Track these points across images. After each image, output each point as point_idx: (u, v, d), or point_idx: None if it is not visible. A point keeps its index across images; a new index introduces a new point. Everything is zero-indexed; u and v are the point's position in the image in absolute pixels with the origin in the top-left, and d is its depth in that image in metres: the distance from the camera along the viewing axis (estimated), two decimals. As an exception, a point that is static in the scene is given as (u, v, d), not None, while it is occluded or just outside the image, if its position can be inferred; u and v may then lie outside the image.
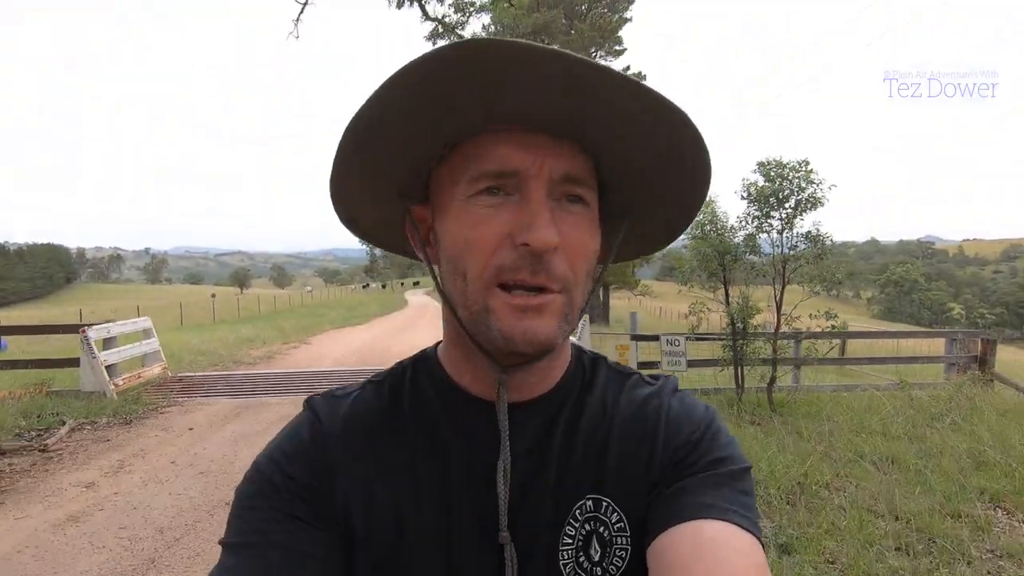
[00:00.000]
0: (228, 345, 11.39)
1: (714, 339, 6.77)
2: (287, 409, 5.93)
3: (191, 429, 5.08)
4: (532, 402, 0.52)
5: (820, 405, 6.12)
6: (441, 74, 0.39)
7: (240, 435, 4.88)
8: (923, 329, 10.43)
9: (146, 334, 7.37)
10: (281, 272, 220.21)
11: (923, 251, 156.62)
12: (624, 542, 0.50)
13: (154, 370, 7.19)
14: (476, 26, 8.98)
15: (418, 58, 0.38)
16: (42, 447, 4.38)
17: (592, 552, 0.49)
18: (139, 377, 6.80)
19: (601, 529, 0.50)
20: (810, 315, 6.53)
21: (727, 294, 6.36)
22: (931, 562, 2.92)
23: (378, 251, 74.78)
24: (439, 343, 0.57)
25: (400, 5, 7.85)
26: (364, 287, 69.81)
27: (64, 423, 4.94)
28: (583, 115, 0.42)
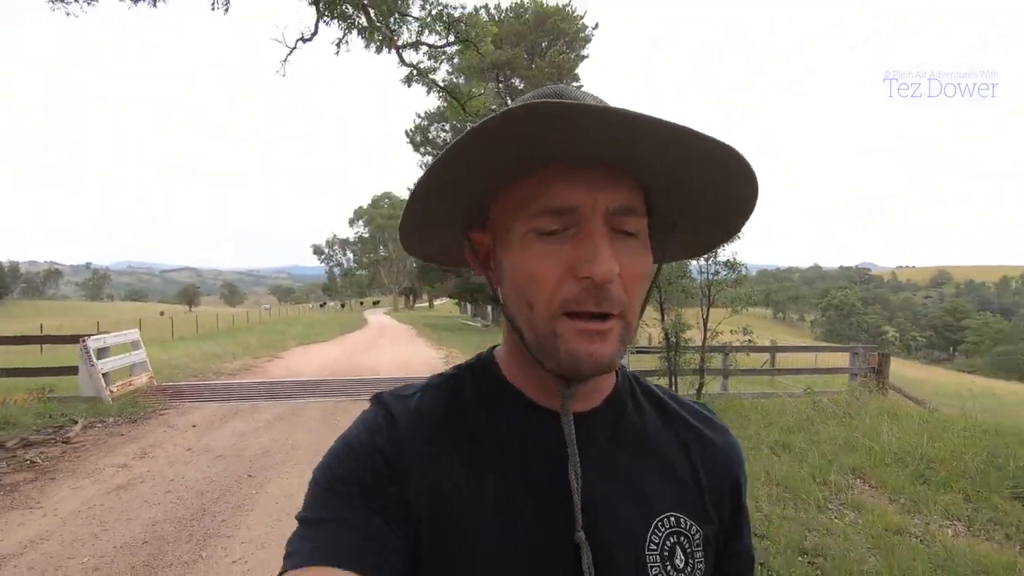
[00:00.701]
0: (196, 360, 11.73)
1: (653, 352, 7.87)
2: (280, 410, 6.63)
3: (194, 426, 5.74)
4: (592, 413, 0.55)
5: (742, 410, 7.23)
6: (512, 127, 0.42)
7: (242, 431, 5.58)
8: (830, 345, 11.91)
9: (134, 345, 7.89)
10: (233, 290, 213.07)
11: (860, 277, 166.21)
12: (702, 556, 0.54)
13: (142, 379, 7.71)
14: (446, 66, 9.97)
15: (491, 119, 0.42)
16: (65, 439, 4.96)
17: (677, 562, 0.53)
18: (130, 385, 7.32)
19: (684, 541, 0.54)
20: (731, 331, 7.72)
21: (663, 312, 7.47)
22: (793, 509, 3.96)
23: (337, 270, 74.26)
24: (494, 348, 0.60)
25: (379, 51, 8.78)
26: (321, 306, 69.04)
27: (76, 422, 5.51)
28: (634, 156, 0.46)
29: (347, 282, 77.77)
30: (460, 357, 12.02)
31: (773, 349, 10.20)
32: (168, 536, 3.18)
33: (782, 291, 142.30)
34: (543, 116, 0.41)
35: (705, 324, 7.39)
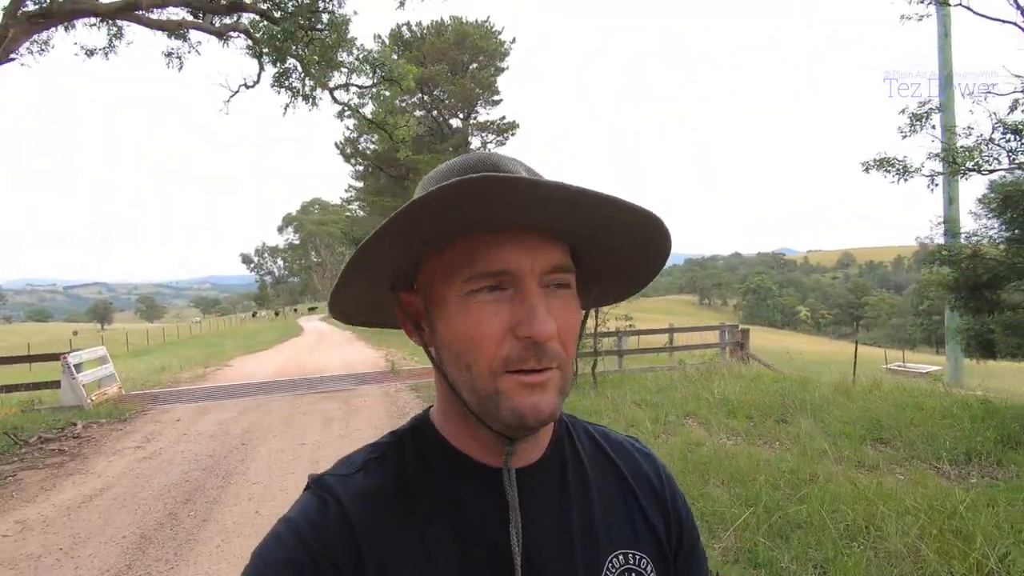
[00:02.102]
0: (145, 373, 12.49)
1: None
2: (247, 405, 7.95)
3: (179, 420, 6.98)
4: (536, 465, 0.57)
5: (631, 382, 9.15)
6: (447, 202, 0.43)
7: (221, 420, 6.89)
8: (706, 325, 14.19)
9: (102, 360, 8.85)
10: (150, 304, 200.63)
11: (776, 261, 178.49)
12: None
13: (113, 389, 8.70)
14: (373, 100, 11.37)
15: (428, 195, 0.42)
16: (75, 436, 6.10)
17: None
18: (105, 394, 8.33)
19: None
20: (615, 318, 9.66)
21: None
22: (642, 432, 5.81)
23: (268, 278, 72.69)
24: (429, 409, 0.60)
25: (307, 100, 10.07)
26: (253, 315, 67.45)
27: (75, 424, 6.60)
28: (566, 222, 0.48)
29: (279, 290, 76.22)
30: (398, 355, 13.45)
31: (657, 331, 12.36)
32: (198, 479, 4.60)
33: (707, 278, 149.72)
34: (477, 191, 0.42)
35: (596, 314, 9.29)
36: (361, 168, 28.98)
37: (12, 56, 5.20)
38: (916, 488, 3.71)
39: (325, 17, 8.23)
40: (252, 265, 71.58)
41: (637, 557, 0.58)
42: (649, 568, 0.58)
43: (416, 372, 10.94)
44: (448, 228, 0.47)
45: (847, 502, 3.45)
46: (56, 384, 7.91)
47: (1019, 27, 6.18)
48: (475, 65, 26.30)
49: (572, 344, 0.51)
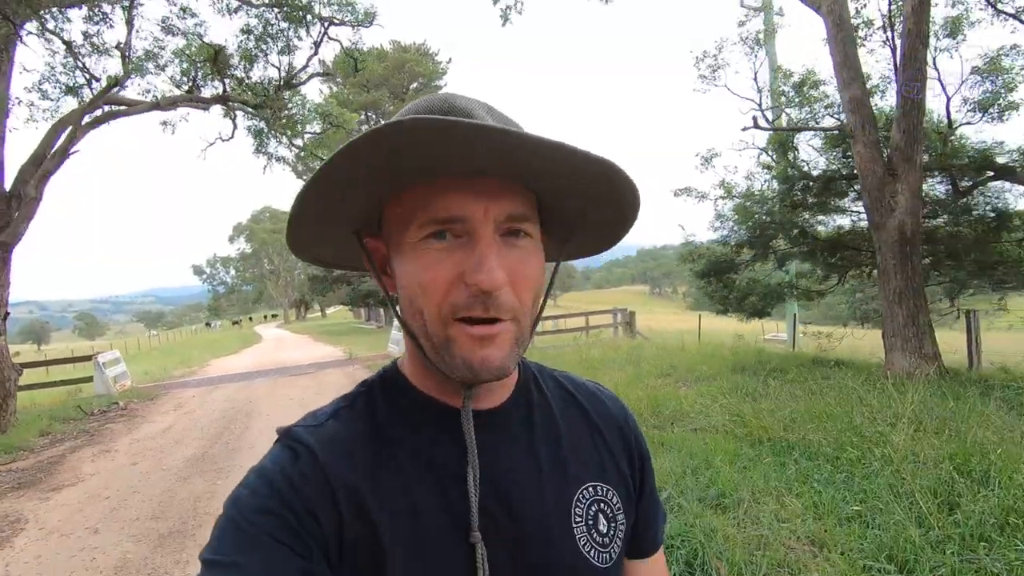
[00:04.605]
0: (136, 375, 14.61)
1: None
2: (241, 385, 10.54)
3: (194, 396, 9.54)
4: (502, 408, 0.58)
5: (536, 354, 12.12)
6: (398, 139, 0.42)
7: (227, 395, 9.49)
8: (603, 309, 17.53)
9: (117, 360, 11.20)
10: (91, 320, 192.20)
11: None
12: (623, 517, 0.61)
13: (128, 382, 11.08)
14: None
15: (377, 129, 0.41)
16: (122, 409, 8.57)
17: (601, 527, 0.59)
18: (124, 386, 10.71)
19: (604, 508, 0.60)
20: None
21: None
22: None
23: (221, 288, 72.82)
24: (396, 360, 0.62)
25: (260, 150, 12.60)
26: (207, 325, 67.66)
27: (117, 403, 9.04)
28: (522, 170, 0.47)
29: (233, 299, 76.31)
30: (359, 349, 16.07)
31: (566, 316, 15.51)
32: (229, 419, 7.29)
33: (658, 268, 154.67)
34: (422, 132, 0.41)
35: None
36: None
37: (73, 151, 7.60)
38: (678, 391, 6.78)
39: (294, 101, 10.92)
40: (204, 276, 71.56)
41: (605, 489, 0.61)
42: (616, 501, 0.61)
43: (371, 357, 13.67)
44: (395, 168, 0.46)
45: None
46: (80, 380, 10.29)
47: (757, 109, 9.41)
48: (415, 85, 28.90)
49: (529, 295, 0.51)
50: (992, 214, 7.94)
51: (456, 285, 0.48)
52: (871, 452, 3.62)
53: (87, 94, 9.09)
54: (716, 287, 8.87)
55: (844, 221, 9.34)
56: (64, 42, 9.07)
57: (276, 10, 10.07)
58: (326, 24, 10.48)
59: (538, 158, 0.46)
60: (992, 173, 7.42)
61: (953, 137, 7.88)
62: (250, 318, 73.20)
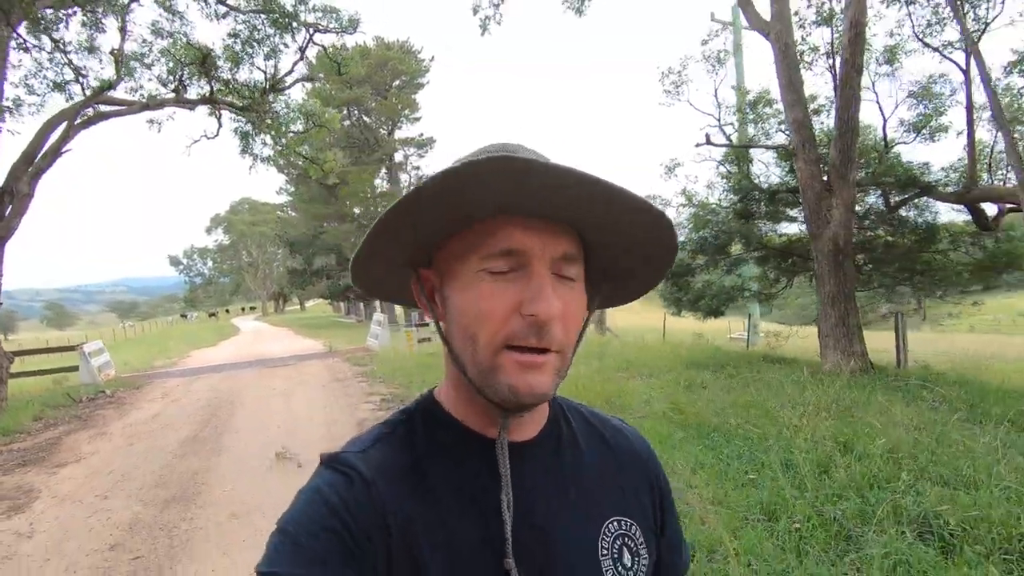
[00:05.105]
0: (118, 365, 14.91)
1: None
2: (224, 375, 10.95)
3: (178, 385, 9.92)
4: (535, 441, 0.61)
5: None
6: (468, 179, 0.47)
7: (211, 384, 9.91)
8: None
9: (101, 350, 11.50)
10: (60, 311, 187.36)
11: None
12: (646, 551, 0.62)
13: (112, 372, 11.39)
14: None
15: (451, 169, 0.46)
16: (110, 397, 8.95)
17: (625, 561, 0.60)
18: (108, 375, 11.04)
19: (629, 542, 0.61)
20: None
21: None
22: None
23: (198, 279, 72.05)
24: (433, 389, 0.64)
25: (245, 152, 12.96)
26: (183, 316, 66.93)
27: (104, 391, 9.40)
28: (576, 211, 0.51)
29: (210, 291, 75.52)
30: (339, 343, 16.49)
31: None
32: (214, 407, 7.75)
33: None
34: (500, 173, 0.46)
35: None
36: (294, 175, 31.22)
37: (66, 149, 7.94)
38: (631, 384, 7.44)
39: (279, 101, 11.33)
40: (181, 267, 70.68)
41: (628, 524, 0.62)
42: (639, 535, 0.62)
43: (351, 350, 14.15)
44: (465, 209, 0.50)
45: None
46: (64, 370, 10.61)
47: (718, 125, 10.13)
48: (398, 83, 29.20)
49: (575, 332, 0.54)
50: (923, 227, 8.77)
51: (512, 315, 0.51)
52: (777, 433, 4.31)
53: (76, 91, 9.41)
54: (671, 289, 9.59)
55: (793, 229, 10.13)
56: (53, 40, 9.39)
57: (263, 16, 10.47)
58: (311, 31, 10.90)
59: (604, 208, 0.51)
60: (918, 190, 8.24)
61: (889, 156, 8.68)
62: (227, 310, 72.48)
